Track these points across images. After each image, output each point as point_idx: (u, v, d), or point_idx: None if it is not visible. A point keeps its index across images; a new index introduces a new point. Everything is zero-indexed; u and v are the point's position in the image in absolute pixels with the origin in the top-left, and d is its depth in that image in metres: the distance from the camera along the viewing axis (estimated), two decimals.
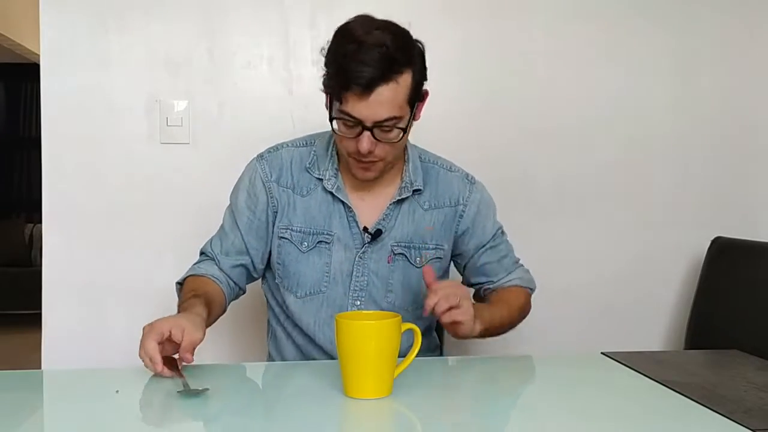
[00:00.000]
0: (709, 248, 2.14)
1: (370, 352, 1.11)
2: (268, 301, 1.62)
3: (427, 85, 1.44)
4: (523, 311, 1.61)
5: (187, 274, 1.51)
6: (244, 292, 1.59)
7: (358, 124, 1.34)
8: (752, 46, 2.24)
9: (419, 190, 1.51)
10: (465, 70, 2.13)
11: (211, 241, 1.56)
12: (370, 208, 1.50)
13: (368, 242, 1.49)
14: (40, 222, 2.02)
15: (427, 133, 2.10)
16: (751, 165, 2.26)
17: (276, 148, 1.54)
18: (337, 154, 1.49)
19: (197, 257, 1.58)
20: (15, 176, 7.10)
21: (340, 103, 1.33)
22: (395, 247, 1.50)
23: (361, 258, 1.49)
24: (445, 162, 1.60)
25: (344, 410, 1.12)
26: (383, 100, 1.32)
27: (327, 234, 1.49)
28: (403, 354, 1.19)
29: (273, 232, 1.52)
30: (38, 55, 1.99)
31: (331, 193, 1.48)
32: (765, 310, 1.96)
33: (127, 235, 2.02)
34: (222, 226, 1.55)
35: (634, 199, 2.22)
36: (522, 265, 1.68)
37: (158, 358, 1.20)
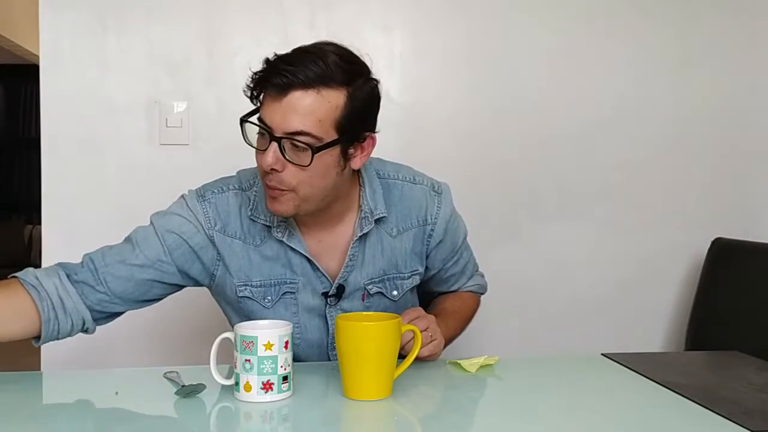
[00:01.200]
0: (710, 249, 2.14)
1: (370, 353, 1.11)
2: None
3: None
4: (472, 318, 1.56)
5: (15, 275, 1.29)
6: (92, 331, 1.35)
7: (268, 134, 1.17)
8: (752, 46, 2.24)
9: (383, 217, 1.34)
10: (463, 71, 2.13)
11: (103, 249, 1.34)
12: (330, 250, 1.34)
13: (334, 294, 1.34)
14: (40, 223, 2.02)
15: (429, 136, 2.11)
16: (751, 165, 2.26)
17: (221, 190, 1.34)
18: None
19: None
20: (14, 177, 7.10)
21: (260, 108, 1.20)
22: (369, 287, 1.36)
23: (330, 305, 1.36)
24: (408, 173, 1.41)
25: (344, 411, 1.12)
26: (298, 108, 1.15)
27: (290, 283, 1.33)
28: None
29: (222, 289, 1.35)
30: (38, 56, 1.99)
31: (283, 241, 1.31)
32: (765, 311, 1.96)
33: None
34: (130, 241, 1.34)
35: (635, 201, 2.22)
36: (478, 270, 1.60)
37: None
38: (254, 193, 1.33)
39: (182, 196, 1.37)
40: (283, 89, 1.15)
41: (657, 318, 2.26)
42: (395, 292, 1.39)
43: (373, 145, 1.28)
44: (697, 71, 2.22)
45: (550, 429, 1.05)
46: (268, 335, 1.09)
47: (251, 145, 1.22)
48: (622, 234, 2.22)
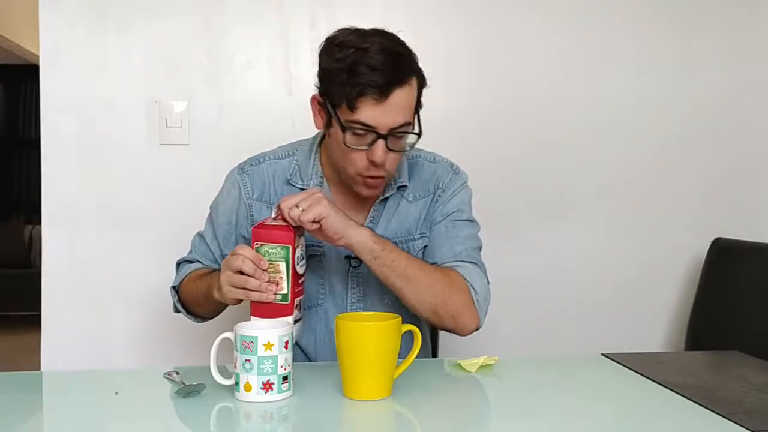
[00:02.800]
0: (710, 249, 2.14)
1: (370, 353, 1.11)
2: None
3: (423, 94, 1.38)
4: (449, 290, 1.35)
5: (184, 275, 1.49)
6: None
7: (370, 133, 1.28)
8: (753, 47, 2.24)
9: (404, 186, 1.45)
10: (463, 71, 2.13)
11: (191, 250, 1.53)
12: (354, 214, 1.40)
13: (356, 256, 1.37)
14: (40, 223, 2.02)
15: (429, 136, 2.10)
16: (751, 165, 2.26)
17: (258, 161, 1.48)
18: (321, 162, 1.44)
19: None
20: (14, 177, 7.09)
21: (352, 111, 1.26)
22: None
23: (354, 268, 1.43)
24: (429, 154, 1.52)
25: (344, 411, 1.12)
26: (400, 105, 1.27)
27: (317, 246, 1.41)
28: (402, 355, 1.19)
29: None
30: (37, 56, 1.99)
31: None
32: (765, 311, 1.96)
33: (126, 237, 2.02)
34: (203, 238, 1.51)
35: (635, 200, 2.22)
36: (479, 265, 1.44)
37: (260, 257, 1.20)
38: (294, 160, 1.46)
39: (227, 176, 1.51)
40: (385, 91, 1.25)
41: (657, 318, 2.26)
42: None
43: (422, 106, 1.38)
44: (697, 72, 2.22)
45: (550, 429, 1.05)
46: (268, 335, 1.09)
47: (349, 147, 1.30)
48: (623, 234, 2.22)
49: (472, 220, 1.50)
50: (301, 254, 1.27)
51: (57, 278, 1.99)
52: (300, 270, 1.26)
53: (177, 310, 1.51)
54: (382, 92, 1.25)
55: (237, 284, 1.21)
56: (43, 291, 2.00)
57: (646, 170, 2.21)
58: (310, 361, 1.48)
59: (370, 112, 1.26)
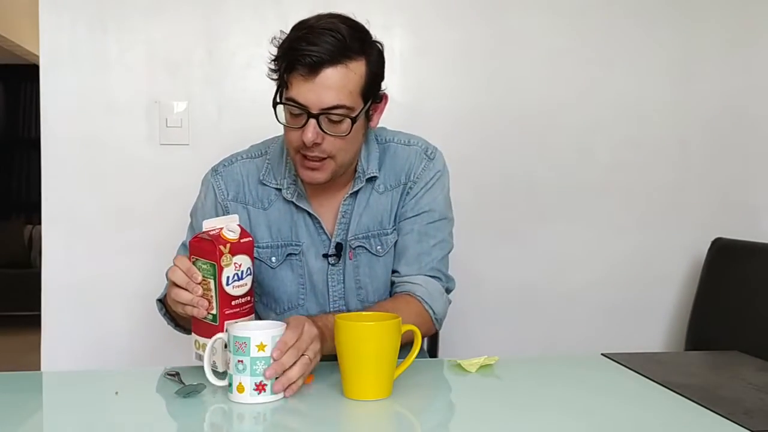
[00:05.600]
0: (710, 249, 2.14)
1: (370, 353, 1.11)
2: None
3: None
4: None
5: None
6: None
7: (303, 112, 1.25)
8: (752, 47, 2.24)
9: (374, 176, 1.41)
10: (464, 71, 2.13)
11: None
12: (329, 211, 1.42)
13: (334, 254, 1.40)
14: (40, 223, 2.02)
15: (429, 136, 2.10)
16: (751, 165, 2.26)
17: (231, 161, 1.46)
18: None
19: None
20: (14, 177, 7.09)
21: (287, 89, 1.26)
22: (353, 241, 1.41)
23: (333, 265, 1.42)
24: (404, 136, 1.47)
25: (344, 411, 1.12)
26: (331, 84, 1.23)
27: (295, 245, 1.41)
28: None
29: None
30: (38, 56, 1.99)
31: (292, 202, 1.41)
32: (765, 311, 1.96)
33: (126, 237, 2.02)
34: (184, 245, 1.46)
35: (635, 200, 2.22)
36: (441, 279, 1.43)
37: (195, 270, 1.15)
38: (266, 160, 1.44)
39: (202, 180, 1.49)
40: (314, 69, 1.23)
41: (657, 318, 2.26)
42: (379, 248, 1.43)
43: (386, 102, 1.38)
44: (697, 71, 2.22)
45: (550, 429, 1.05)
46: (261, 336, 1.09)
47: (284, 125, 1.30)
48: (622, 234, 2.22)
49: (444, 218, 1.45)
50: (238, 274, 1.16)
51: (57, 278, 1.99)
52: (235, 291, 1.16)
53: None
54: (311, 69, 1.22)
55: (172, 296, 1.18)
56: (43, 291, 2.00)
57: (645, 170, 2.21)
58: None
59: (300, 89, 1.24)
